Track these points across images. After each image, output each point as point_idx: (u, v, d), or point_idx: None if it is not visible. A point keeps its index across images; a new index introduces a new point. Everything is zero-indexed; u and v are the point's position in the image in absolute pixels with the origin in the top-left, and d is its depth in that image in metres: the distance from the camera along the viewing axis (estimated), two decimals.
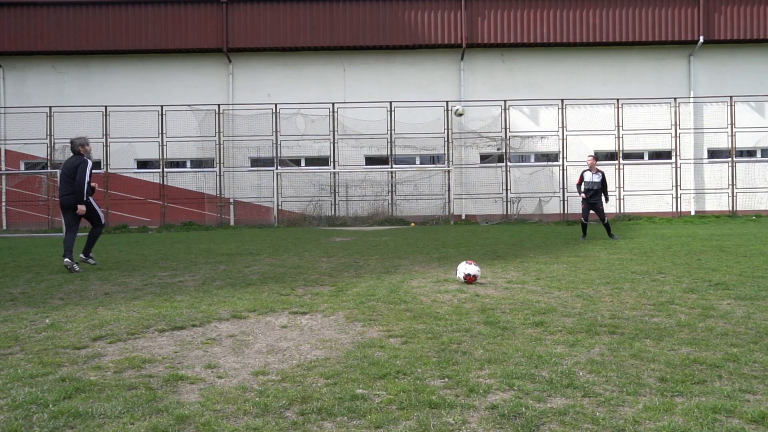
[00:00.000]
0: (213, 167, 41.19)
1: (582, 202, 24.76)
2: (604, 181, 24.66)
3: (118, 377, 6.34)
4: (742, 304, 9.81)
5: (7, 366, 6.80)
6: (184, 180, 40.99)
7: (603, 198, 24.95)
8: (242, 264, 16.58)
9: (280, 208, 40.61)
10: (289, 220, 40.06)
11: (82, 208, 15.88)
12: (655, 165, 40.90)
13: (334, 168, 40.98)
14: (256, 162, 41.53)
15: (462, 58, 41.31)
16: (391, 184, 41.01)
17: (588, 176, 24.49)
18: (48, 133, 40.10)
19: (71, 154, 16.22)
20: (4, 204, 39.96)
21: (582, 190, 24.59)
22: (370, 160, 41.71)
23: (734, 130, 40.48)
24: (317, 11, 40.73)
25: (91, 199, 16.19)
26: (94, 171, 16.38)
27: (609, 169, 39.72)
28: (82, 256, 16.52)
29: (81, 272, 15.29)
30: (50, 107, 40.18)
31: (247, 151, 41.13)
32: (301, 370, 6.54)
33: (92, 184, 16.13)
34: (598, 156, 40.34)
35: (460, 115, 30.29)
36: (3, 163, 40.73)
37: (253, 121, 40.83)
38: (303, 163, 41.71)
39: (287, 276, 13.96)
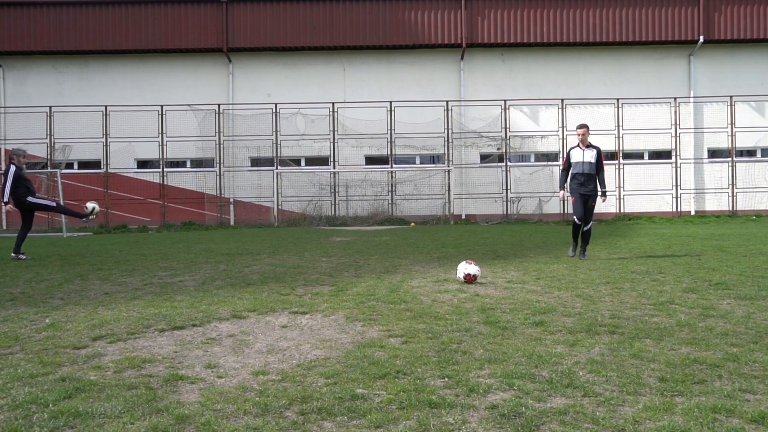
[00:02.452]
0: (213, 167, 41.22)
1: (570, 194, 17.40)
2: (600, 160, 17.26)
3: (118, 377, 6.30)
4: (742, 303, 9.75)
5: (7, 366, 6.76)
6: (184, 180, 40.94)
7: (598, 189, 17.32)
8: (242, 264, 16.48)
9: (280, 207, 40.56)
10: (289, 219, 39.94)
11: (7, 207, 19.02)
12: (655, 165, 40.84)
13: (334, 168, 40.96)
14: (256, 162, 41.52)
15: (462, 58, 41.31)
16: (391, 184, 40.97)
17: (577, 155, 17.28)
18: (48, 133, 40.08)
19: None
20: (4, 204, 38.78)
21: (566, 179, 17.58)
22: (370, 160, 41.74)
23: (734, 129, 40.48)
24: (317, 11, 40.71)
25: (28, 200, 19.05)
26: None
27: (609, 169, 39.32)
28: (12, 254, 18.73)
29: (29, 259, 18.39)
30: (50, 107, 40.18)
31: (247, 150, 41.12)
32: (301, 369, 6.50)
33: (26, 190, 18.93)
34: None
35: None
36: (3, 163, 40.24)
37: (253, 120, 40.77)
38: (303, 162, 41.72)
39: (287, 276, 13.86)
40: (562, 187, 17.85)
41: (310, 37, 40.78)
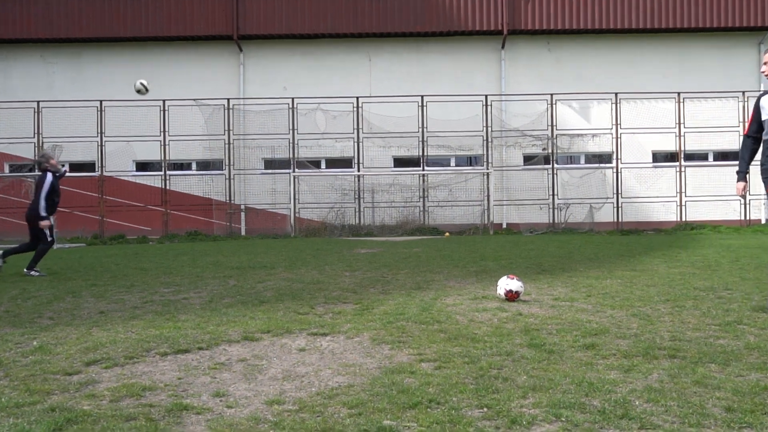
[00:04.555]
0: (222, 170, 41.07)
1: (765, 180, 11.09)
2: None
3: (114, 407, 6.23)
4: None
5: None
6: (189, 184, 40.91)
7: None
8: (255, 279, 16.35)
9: (297, 215, 40.11)
10: (308, 229, 39.64)
11: (44, 223, 18.37)
12: (721, 167, 39.85)
13: (359, 170, 40.81)
14: (270, 164, 41.49)
15: (503, 47, 41.30)
16: (423, 189, 40.83)
17: None
18: (36, 131, 40.01)
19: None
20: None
21: (751, 156, 11.47)
22: (399, 162, 41.68)
23: None
24: None
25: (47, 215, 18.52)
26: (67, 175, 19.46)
27: (669, 172, 39.88)
28: (25, 270, 18.11)
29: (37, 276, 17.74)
30: (38, 102, 40.01)
31: (260, 151, 41.01)
32: (321, 398, 6.41)
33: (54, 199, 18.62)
34: (657, 157, 40.68)
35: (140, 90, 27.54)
36: None
37: (267, 117, 40.63)
38: (323, 164, 41.69)
39: (305, 292, 13.72)
40: (743, 176, 11.62)
41: (332, 24, 40.94)
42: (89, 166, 40.79)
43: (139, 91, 26.14)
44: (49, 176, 18.44)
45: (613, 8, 40.39)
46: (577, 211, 40.38)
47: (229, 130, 40.81)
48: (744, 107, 40.09)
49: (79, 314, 11.53)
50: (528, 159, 41.27)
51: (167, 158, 40.69)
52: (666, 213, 39.96)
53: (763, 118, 11.04)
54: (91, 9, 40.77)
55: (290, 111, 40.74)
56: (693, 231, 36.60)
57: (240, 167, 41.17)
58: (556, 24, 40.58)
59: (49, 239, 18.61)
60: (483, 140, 40.89)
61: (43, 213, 18.31)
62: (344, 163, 41.72)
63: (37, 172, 19.66)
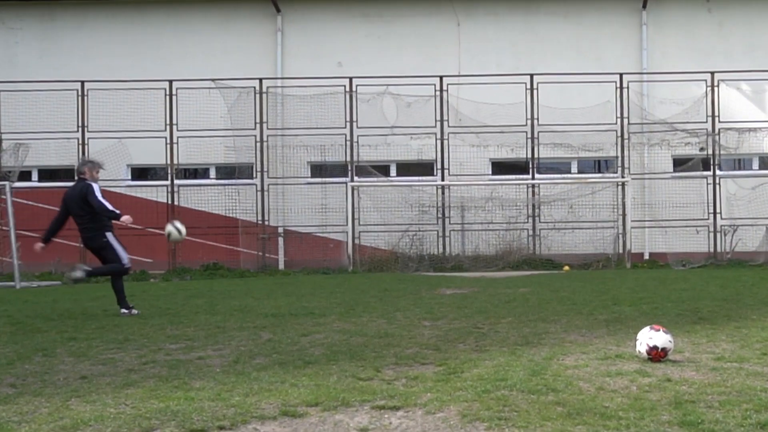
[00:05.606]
0: (251, 178, 36.56)
1: None
2: None
3: None
4: None
5: None
6: (205, 198, 36.09)
7: None
8: (298, 331, 15.10)
9: (357, 242, 35.37)
10: (372, 261, 35.04)
11: (126, 218, 18.25)
12: None
13: (443, 179, 36.28)
14: (319, 170, 37.48)
15: (644, 7, 36.60)
16: (533, 205, 36.12)
17: None
18: None
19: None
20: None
21: None
22: (500, 167, 37.24)
23: None
24: None
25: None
26: None
27: None
28: (124, 311, 18.10)
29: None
30: None
31: (305, 152, 36.16)
32: None
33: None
34: None
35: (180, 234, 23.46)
36: None
37: (314, 105, 35.59)
38: (393, 171, 37.38)
39: (369, 350, 12.54)
40: None
41: None
42: (66, 173, 35.76)
43: (176, 233, 21.60)
44: (95, 185, 18.17)
45: None
46: (749, 236, 35.18)
47: (261, 122, 35.80)
48: None
49: (53, 380, 10.59)
50: (680, 163, 36.03)
51: (175, 162, 35.91)
52: None
53: None
54: None
55: (347, 96, 35.72)
56: None
57: (277, 174, 36.33)
58: None
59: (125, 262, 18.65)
60: (616, 137, 35.66)
61: (115, 210, 17.97)
62: (423, 168, 36.96)
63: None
